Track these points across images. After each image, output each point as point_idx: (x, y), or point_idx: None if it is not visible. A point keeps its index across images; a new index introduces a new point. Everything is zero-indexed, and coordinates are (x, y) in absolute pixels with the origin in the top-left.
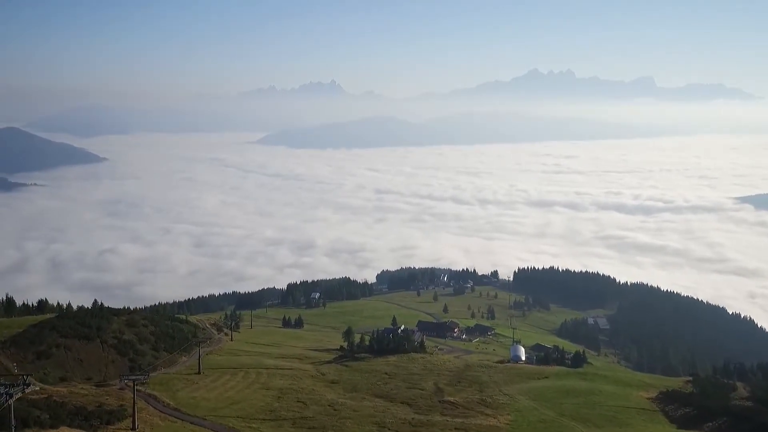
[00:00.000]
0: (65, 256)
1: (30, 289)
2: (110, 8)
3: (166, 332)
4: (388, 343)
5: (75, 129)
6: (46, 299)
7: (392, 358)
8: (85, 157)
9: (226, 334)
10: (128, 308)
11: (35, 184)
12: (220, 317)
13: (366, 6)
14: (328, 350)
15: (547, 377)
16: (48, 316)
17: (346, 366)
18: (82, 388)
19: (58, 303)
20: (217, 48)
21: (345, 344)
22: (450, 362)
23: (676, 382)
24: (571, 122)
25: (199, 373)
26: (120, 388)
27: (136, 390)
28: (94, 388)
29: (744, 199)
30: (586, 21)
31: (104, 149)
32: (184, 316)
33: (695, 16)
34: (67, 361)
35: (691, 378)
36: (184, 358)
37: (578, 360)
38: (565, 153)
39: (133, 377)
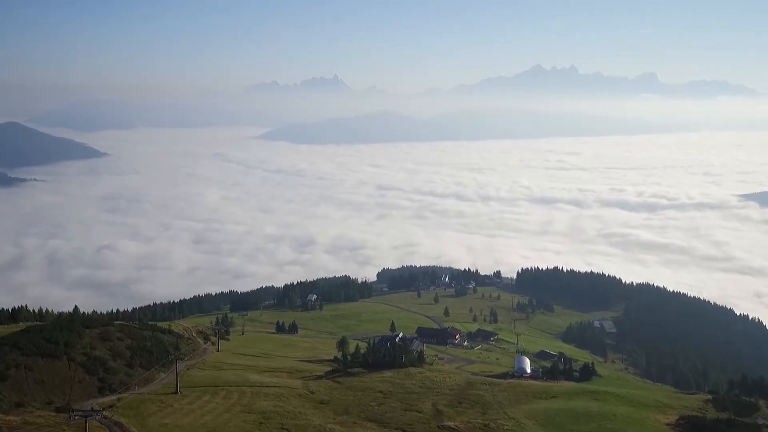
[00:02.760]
0: (64, 252)
1: (27, 286)
2: (113, 3)
3: (144, 346)
4: (384, 355)
5: (77, 124)
6: (25, 305)
7: (388, 374)
8: (86, 152)
9: (213, 344)
10: (113, 311)
11: (35, 179)
12: (211, 322)
13: (369, 1)
14: (320, 361)
15: (555, 396)
16: (22, 325)
17: (338, 382)
18: (39, 415)
19: (34, 310)
20: (220, 43)
21: (339, 355)
22: (450, 378)
23: (694, 402)
24: (574, 118)
25: (176, 392)
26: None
27: (102, 418)
28: (53, 414)
29: (748, 197)
30: (589, 17)
31: (106, 144)
32: (167, 325)
33: (698, 12)
34: (27, 384)
35: (710, 397)
36: (162, 374)
37: (587, 372)
38: (568, 149)
39: (84, 412)
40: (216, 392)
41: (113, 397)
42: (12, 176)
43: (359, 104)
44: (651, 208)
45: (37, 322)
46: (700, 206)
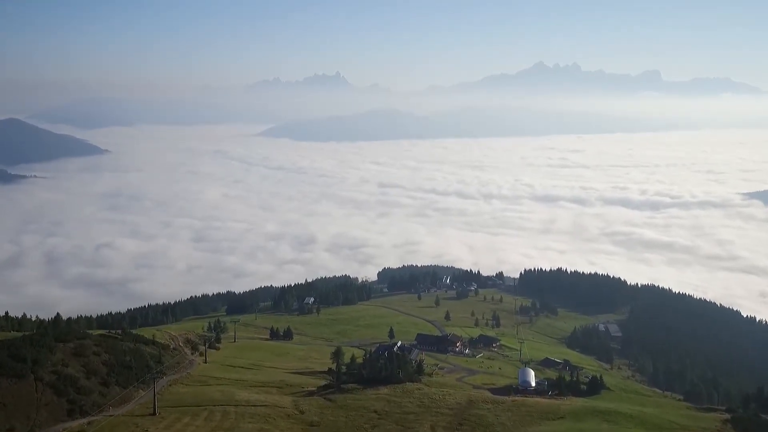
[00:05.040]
0: (62, 250)
1: (25, 285)
2: (115, 0)
3: (122, 361)
4: (381, 369)
5: (78, 121)
6: (6, 312)
7: (384, 390)
8: (87, 149)
9: (200, 354)
10: (104, 315)
11: (35, 176)
12: (203, 328)
13: None
14: (314, 373)
15: (563, 417)
16: None
17: (330, 400)
18: None
19: (16, 317)
20: (222, 40)
21: (333, 366)
22: (450, 396)
23: (712, 422)
24: (577, 116)
25: (154, 413)
26: None
27: None
28: None
29: (752, 195)
30: (592, 14)
31: (107, 141)
32: (152, 335)
33: (701, 9)
34: None
35: (729, 416)
36: (141, 392)
37: (595, 386)
38: (571, 147)
39: None
40: (197, 413)
41: (83, 421)
42: (12, 173)
43: (361, 102)
44: (654, 206)
45: (14, 332)
46: (703, 204)
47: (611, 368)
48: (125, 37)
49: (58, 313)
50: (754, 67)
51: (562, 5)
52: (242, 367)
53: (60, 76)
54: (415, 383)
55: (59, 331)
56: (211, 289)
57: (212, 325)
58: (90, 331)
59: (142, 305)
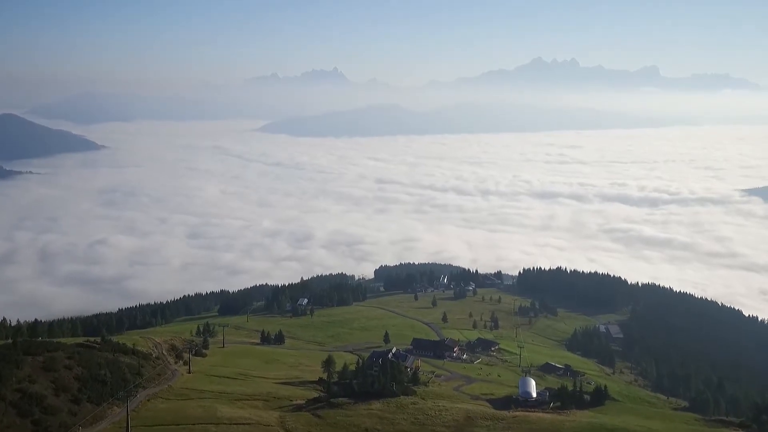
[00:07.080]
0: (56, 246)
1: (18, 282)
2: None
3: (96, 375)
4: (373, 382)
5: (76, 116)
6: None
7: (377, 405)
8: (84, 145)
9: (184, 363)
10: (91, 316)
11: (31, 172)
12: (191, 332)
13: None
14: (303, 383)
15: None
16: None
17: (319, 417)
18: None
19: None
20: (220, 36)
21: (324, 375)
22: (446, 411)
23: None
24: (575, 112)
25: None
26: None
27: None
28: None
29: (752, 192)
30: (591, 9)
31: (104, 137)
32: (133, 344)
33: (700, 5)
34: None
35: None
36: (116, 408)
37: (599, 396)
38: (569, 143)
39: None
40: None
41: None
42: (8, 169)
43: (359, 97)
44: (653, 202)
45: None
46: (702, 201)
47: (613, 372)
48: (123, 32)
49: (36, 319)
50: (753, 63)
51: (561, 0)
52: (228, 378)
53: (57, 72)
54: (410, 396)
55: (28, 342)
56: (205, 287)
57: (201, 329)
58: (68, 340)
59: (134, 305)
